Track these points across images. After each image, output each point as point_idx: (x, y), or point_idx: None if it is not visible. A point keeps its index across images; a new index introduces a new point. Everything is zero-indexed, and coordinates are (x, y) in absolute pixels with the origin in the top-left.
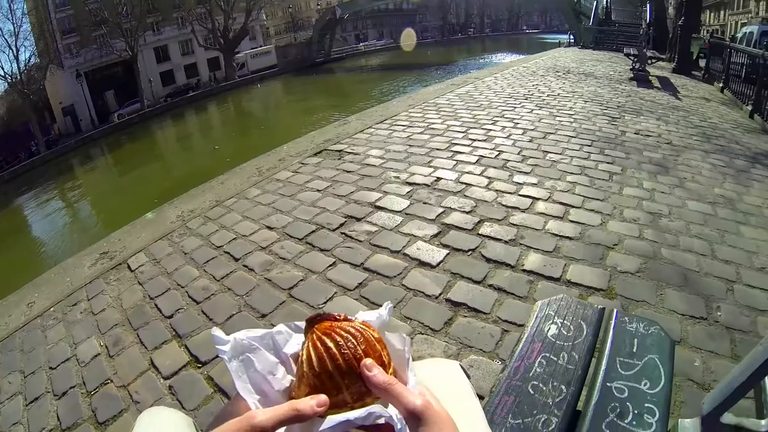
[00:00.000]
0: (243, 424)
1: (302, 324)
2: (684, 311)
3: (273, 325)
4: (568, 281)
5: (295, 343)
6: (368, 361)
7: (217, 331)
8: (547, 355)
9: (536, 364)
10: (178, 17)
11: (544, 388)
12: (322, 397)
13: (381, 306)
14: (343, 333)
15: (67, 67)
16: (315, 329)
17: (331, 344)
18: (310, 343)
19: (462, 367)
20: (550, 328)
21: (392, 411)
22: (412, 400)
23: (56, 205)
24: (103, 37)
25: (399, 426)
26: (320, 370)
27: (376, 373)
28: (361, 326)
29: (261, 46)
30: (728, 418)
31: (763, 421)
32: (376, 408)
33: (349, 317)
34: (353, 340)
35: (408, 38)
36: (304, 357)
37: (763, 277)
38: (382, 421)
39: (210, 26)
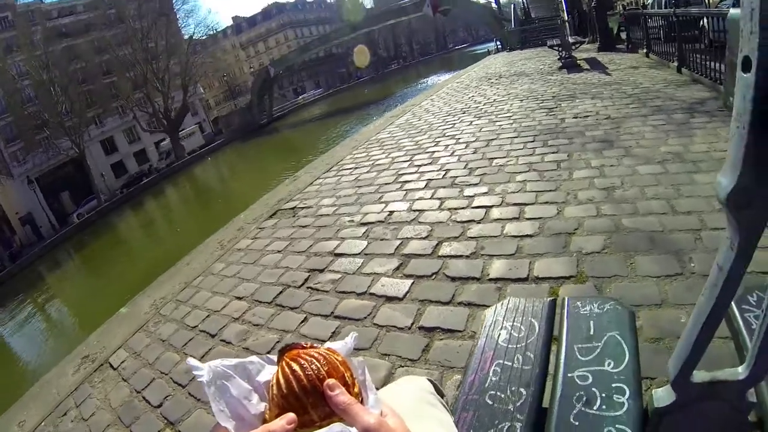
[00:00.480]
0: None
1: (275, 357)
2: (658, 273)
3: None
4: (536, 278)
5: (268, 372)
6: (331, 381)
7: (192, 360)
8: (501, 361)
9: (491, 374)
10: (117, 106)
11: (503, 396)
12: (291, 416)
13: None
14: (307, 357)
15: (17, 176)
16: (285, 357)
17: (296, 367)
18: (279, 369)
19: (431, 381)
20: (500, 334)
21: (353, 429)
22: (366, 418)
23: (31, 318)
24: (48, 139)
25: None
26: (287, 391)
27: (337, 393)
28: (326, 351)
29: (204, 121)
30: (700, 376)
31: (740, 368)
32: (337, 426)
33: (315, 345)
34: (317, 363)
35: (361, 54)
36: (274, 381)
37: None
38: None
39: (150, 110)
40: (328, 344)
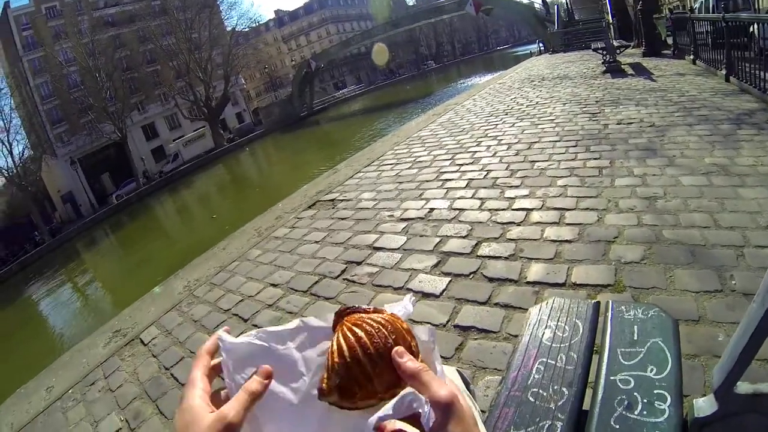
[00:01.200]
0: (217, 425)
1: (329, 317)
2: (697, 288)
3: None
4: (573, 284)
5: (319, 338)
6: (399, 348)
7: (224, 335)
8: (544, 360)
9: (534, 371)
10: (160, 94)
11: (545, 394)
12: (265, 368)
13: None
14: (373, 323)
15: (61, 156)
16: (345, 321)
17: (362, 334)
18: (340, 334)
19: (460, 372)
20: (544, 333)
21: (422, 397)
22: (439, 389)
23: (66, 290)
24: (92, 123)
25: (426, 409)
26: (351, 360)
27: (406, 360)
28: (391, 317)
29: (244, 110)
30: (743, 387)
31: None
32: (409, 393)
33: (378, 308)
34: (384, 330)
35: (380, 53)
36: (335, 347)
37: None
38: (414, 405)
39: (192, 98)
40: (388, 307)
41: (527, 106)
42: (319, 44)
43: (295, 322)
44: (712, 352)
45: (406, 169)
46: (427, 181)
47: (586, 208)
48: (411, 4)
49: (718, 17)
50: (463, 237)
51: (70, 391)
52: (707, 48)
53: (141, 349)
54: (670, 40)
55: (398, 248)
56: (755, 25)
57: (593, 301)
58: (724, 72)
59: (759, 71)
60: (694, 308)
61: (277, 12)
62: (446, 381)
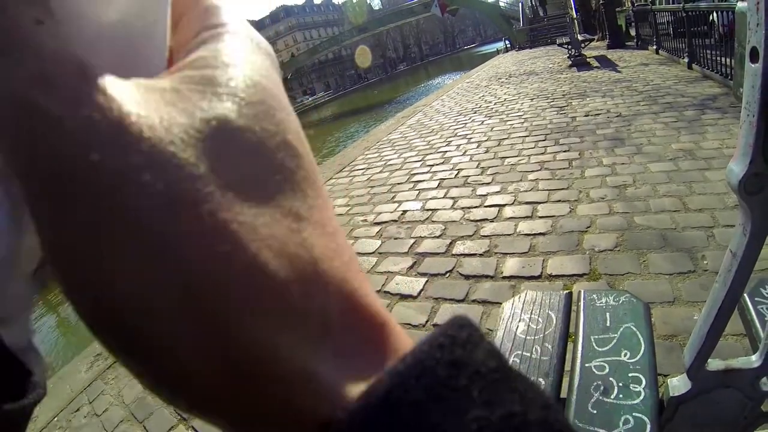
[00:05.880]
0: None
1: None
2: (671, 270)
3: None
4: (549, 276)
5: None
6: None
7: None
8: (519, 352)
9: None
10: None
11: None
12: None
13: None
14: None
15: None
16: None
17: None
18: None
19: None
20: (518, 326)
21: None
22: None
23: (43, 316)
24: None
25: None
26: None
27: None
28: None
29: None
30: (715, 364)
31: (753, 356)
32: None
33: None
34: None
35: (362, 55)
36: None
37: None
38: None
39: None
40: None
41: (495, 104)
42: (287, 52)
43: None
44: (689, 331)
45: (378, 173)
46: (398, 183)
47: (558, 201)
48: (377, 8)
49: (678, 8)
50: (438, 237)
51: (55, 420)
52: (669, 38)
53: (124, 371)
54: (632, 32)
55: (373, 252)
56: (715, 14)
57: (565, 292)
58: (686, 60)
59: (720, 57)
60: (669, 290)
61: None
62: None
